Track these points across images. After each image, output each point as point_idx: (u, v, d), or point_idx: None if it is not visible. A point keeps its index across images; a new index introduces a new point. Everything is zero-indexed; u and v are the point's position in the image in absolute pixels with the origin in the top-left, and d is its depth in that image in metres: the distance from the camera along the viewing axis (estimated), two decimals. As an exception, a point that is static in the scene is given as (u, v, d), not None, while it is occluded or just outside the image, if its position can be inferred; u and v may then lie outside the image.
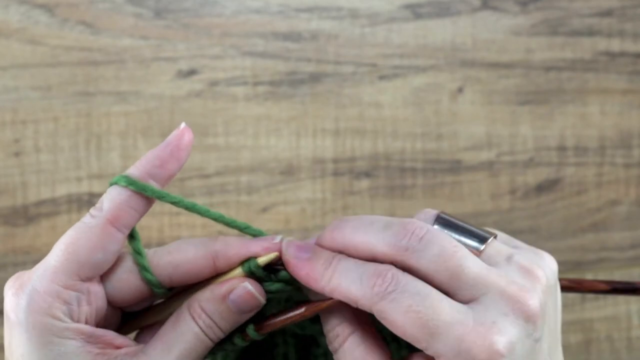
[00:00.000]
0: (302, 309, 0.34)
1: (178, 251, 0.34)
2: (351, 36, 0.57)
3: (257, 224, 0.56)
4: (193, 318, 0.33)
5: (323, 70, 0.57)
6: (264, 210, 0.57)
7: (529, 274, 0.33)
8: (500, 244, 0.34)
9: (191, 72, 0.55)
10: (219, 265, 0.34)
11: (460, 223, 0.34)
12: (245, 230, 0.36)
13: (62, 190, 0.54)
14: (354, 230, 0.34)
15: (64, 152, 0.54)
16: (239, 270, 0.34)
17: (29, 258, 0.54)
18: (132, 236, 0.34)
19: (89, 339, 0.32)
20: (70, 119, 0.54)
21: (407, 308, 0.30)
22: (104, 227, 0.33)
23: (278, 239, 0.35)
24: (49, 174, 0.54)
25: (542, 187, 0.61)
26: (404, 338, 0.31)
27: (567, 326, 0.62)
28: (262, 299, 0.34)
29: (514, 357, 0.30)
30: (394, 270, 0.31)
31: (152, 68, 0.55)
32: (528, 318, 0.31)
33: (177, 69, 0.55)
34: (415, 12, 0.58)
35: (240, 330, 0.35)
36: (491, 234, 0.34)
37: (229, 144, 0.56)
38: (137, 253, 0.34)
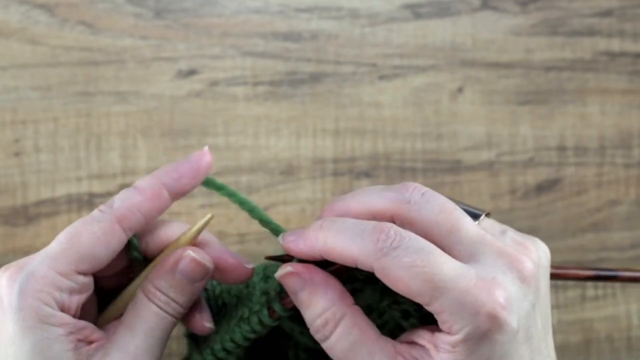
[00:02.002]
0: None
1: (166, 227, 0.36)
2: (351, 36, 0.57)
3: (257, 223, 0.56)
4: (149, 298, 0.34)
5: (323, 70, 0.57)
6: (264, 210, 0.57)
7: (522, 245, 0.34)
8: (493, 221, 0.35)
9: (191, 72, 0.55)
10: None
11: (454, 201, 0.34)
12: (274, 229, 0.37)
13: (62, 190, 0.54)
14: (354, 196, 0.34)
15: (64, 152, 0.54)
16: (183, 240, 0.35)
17: (29, 258, 0.54)
18: None
19: (72, 330, 0.32)
20: (70, 119, 0.54)
21: (411, 263, 0.30)
22: (110, 224, 0.33)
23: (250, 266, 0.36)
24: (49, 174, 0.54)
25: (542, 187, 0.61)
26: (407, 294, 0.31)
27: (567, 326, 0.62)
28: (209, 264, 0.34)
29: (513, 314, 0.31)
30: (395, 227, 0.31)
31: (152, 68, 0.55)
32: (524, 279, 0.32)
33: (177, 69, 0.55)
34: (415, 12, 0.58)
35: (267, 308, 0.35)
36: (483, 211, 0.35)
37: (229, 144, 0.56)
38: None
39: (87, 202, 0.54)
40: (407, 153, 0.59)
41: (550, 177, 0.61)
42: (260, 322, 0.35)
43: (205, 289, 0.44)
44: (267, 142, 0.57)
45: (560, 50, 0.61)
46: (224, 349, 0.36)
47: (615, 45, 0.62)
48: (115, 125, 0.55)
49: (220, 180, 0.56)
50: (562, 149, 0.61)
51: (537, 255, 0.34)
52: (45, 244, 0.54)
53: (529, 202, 0.61)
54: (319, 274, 0.33)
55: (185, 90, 0.55)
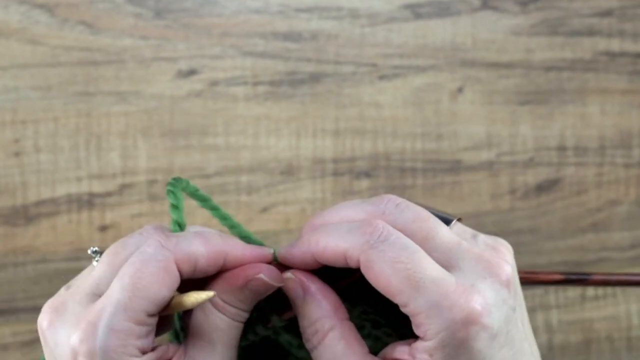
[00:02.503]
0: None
1: (196, 248, 0.34)
2: (351, 36, 0.57)
3: (257, 224, 0.56)
4: (220, 311, 0.34)
5: (323, 70, 0.57)
6: (264, 210, 0.57)
7: (495, 249, 0.34)
8: (464, 226, 0.36)
9: (191, 72, 0.55)
10: (227, 266, 0.35)
11: (426, 207, 0.35)
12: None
13: (62, 190, 0.54)
14: (332, 210, 0.35)
15: (64, 152, 0.54)
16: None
17: (29, 258, 0.54)
18: None
19: None
20: (70, 119, 0.54)
21: (395, 259, 0.31)
22: (169, 263, 0.32)
23: (271, 250, 0.35)
24: (49, 174, 0.54)
25: (542, 187, 0.61)
26: (386, 291, 0.31)
27: (567, 326, 0.62)
28: (277, 284, 0.34)
29: (492, 320, 0.31)
30: (384, 223, 0.32)
31: (152, 68, 0.55)
32: (503, 283, 0.32)
33: (177, 69, 0.55)
34: (415, 12, 0.58)
35: (262, 320, 0.35)
36: (454, 217, 0.35)
37: (229, 144, 0.56)
38: None
39: (87, 202, 0.54)
40: (407, 153, 0.59)
41: (550, 177, 0.61)
42: (254, 331, 0.35)
43: None
44: (267, 142, 0.57)
45: (560, 50, 0.61)
46: None
47: (615, 45, 0.62)
48: (115, 125, 0.55)
49: (220, 180, 0.56)
50: (562, 149, 0.61)
51: (511, 257, 0.34)
52: (45, 244, 0.54)
53: (529, 202, 0.61)
54: (316, 284, 0.34)
55: (185, 90, 0.55)
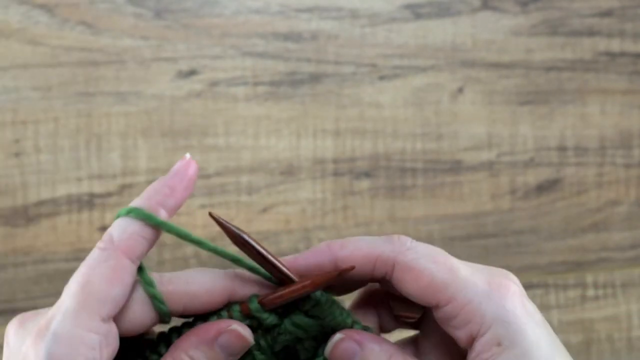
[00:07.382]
0: (307, 282, 0.33)
1: (194, 282, 0.33)
2: (351, 36, 0.57)
3: (257, 224, 0.56)
4: None
5: (323, 71, 0.57)
6: (264, 210, 0.57)
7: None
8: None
9: (191, 72, 0.55)
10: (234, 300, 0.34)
11: None
12: (252, 270, 0.35)
13: (62, 191, 0.54)
14: (344, 241, 0.34)
15: (64, 152, 0.54)
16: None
17: (29, 258, 0.54)
18: (139, 267, 0.33)
19: None
20: (71, 119, 0.54)
21: (434, 255, 0.31)
22: (118, 260, 0.31)
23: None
24: (49, 174, 0.54)
25: (543, 187, 0.61)
26: (427, 289, 0.31)
27: (567, 326, 0.62)
28: (251, 339, 0.33)
29: (530, 302, 0.31)
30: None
31: (152, 68, 0.55)
32: (522, 294, 0.32)
33: (177, 69, 0.55)
34: (415, 12, 0.58)
35: (240, 304, 0.34)
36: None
37: (229, 144, 0.56)
38: (148, 284, 0.33)
39: (87, 203, 0.54)
40: (407, 153, 0.59)
41: (550, 177, 0.61)
42: (231, 318, 0.34)
43: None
44: (267, 142, 0.57)
45: (560, 50, 0.61)
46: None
47: (615, 45, 0.62)
48: (115, 125, 0.55)
49: (220, 180, 0.56)
50: (562, 149, 0.61)
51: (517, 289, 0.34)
52: (45, 244, 0.54)
53: (529, 202, 0.61)
54: (366, 334, 0.33)
55: (186, 91, 0.55)
